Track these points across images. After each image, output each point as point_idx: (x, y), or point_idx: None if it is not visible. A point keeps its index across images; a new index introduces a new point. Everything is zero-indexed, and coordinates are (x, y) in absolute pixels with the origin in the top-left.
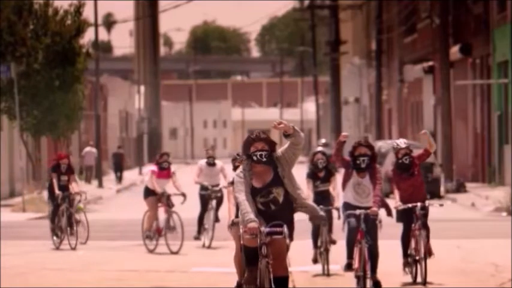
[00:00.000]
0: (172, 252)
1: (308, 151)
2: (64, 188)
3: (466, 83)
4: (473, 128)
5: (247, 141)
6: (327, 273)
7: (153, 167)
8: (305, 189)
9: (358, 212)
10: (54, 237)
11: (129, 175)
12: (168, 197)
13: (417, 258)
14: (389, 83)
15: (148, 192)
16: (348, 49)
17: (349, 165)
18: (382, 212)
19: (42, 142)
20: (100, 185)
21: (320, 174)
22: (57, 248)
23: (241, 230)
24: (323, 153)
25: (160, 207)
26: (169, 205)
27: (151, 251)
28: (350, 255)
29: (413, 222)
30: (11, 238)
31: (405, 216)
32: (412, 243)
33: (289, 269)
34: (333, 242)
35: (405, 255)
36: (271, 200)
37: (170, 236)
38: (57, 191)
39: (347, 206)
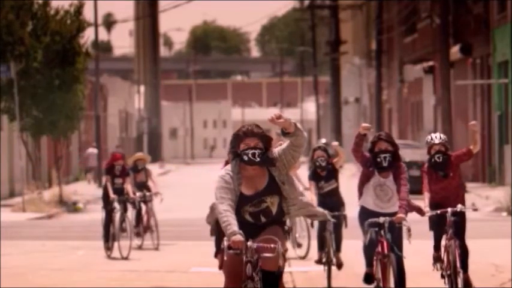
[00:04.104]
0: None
1: (308, 151)
2: (119, 191)
3: (466, 83)
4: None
5: (236, 137)
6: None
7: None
8: (309, 193)
9: (382, 219)
10: (108, 245)
11: None
12: None
13: (448, 273)
14: (389, 83)
15: None
16: (348, 49)
17: (368, 162)
18: (410, 218)
19: (42, 142)
20: (100, 185)
21: (322, 173)
22: (109, 257)
23: (225, 243)
24: (323, 149)
25: None
26: None
27: None
28: (370, 263)
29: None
30: (11, 238)
31: (436, 224)
32: (445, 257)
33: (290, 269)
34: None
35: (437, 248)
36: (262, 210)
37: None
38: (112, 195)
39: (365, 211)
